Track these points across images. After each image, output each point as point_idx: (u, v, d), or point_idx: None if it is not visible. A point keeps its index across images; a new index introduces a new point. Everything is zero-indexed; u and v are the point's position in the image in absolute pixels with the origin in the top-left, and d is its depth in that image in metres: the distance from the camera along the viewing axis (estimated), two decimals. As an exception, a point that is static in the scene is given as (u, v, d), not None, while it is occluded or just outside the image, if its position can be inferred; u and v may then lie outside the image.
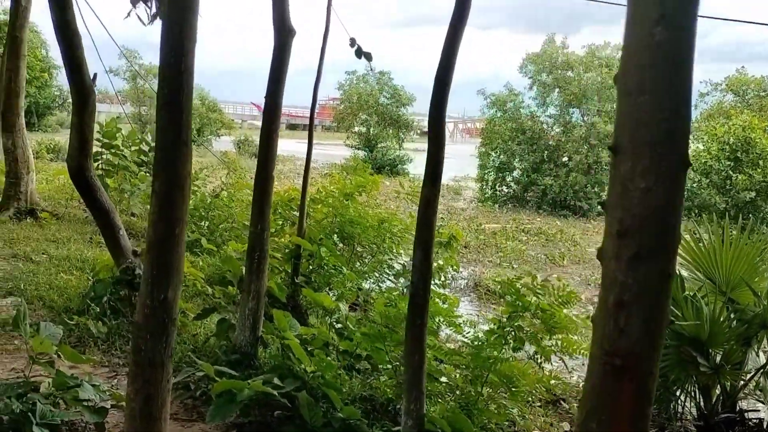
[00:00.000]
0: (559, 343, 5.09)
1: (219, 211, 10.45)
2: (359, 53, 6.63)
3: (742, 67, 31.47)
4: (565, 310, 5.10)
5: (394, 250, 9.90)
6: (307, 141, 7.50)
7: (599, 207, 24.42)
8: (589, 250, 17.68)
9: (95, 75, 5.91)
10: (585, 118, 25.09)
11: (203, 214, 10.32)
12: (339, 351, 5.47)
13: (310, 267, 7.59)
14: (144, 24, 6.02)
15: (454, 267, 9.63)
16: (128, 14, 6.74)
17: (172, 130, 2.65)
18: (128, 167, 11.65)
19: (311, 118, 7.66)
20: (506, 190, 26.55)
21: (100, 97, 5.36)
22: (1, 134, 10.98)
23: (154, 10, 7.19)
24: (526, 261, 16.07)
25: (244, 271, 5.61)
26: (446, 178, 30.79)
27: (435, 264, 8.28)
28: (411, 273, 3.73)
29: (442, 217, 19.17)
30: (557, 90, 25.43)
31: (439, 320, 5.65)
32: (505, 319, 5.04)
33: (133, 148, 12.16)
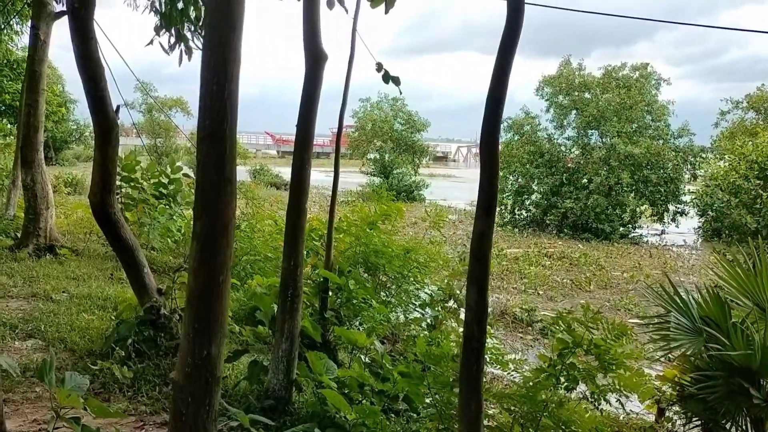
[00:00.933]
0: (616, 381, 4.72)
1: (240, 243, 10.19)
2: (387, 78, 6.40)
3: (762, 84, 31.10)
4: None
5: (419, 279, 9.60)
6: (333, 169, 7.22)
7: (621, 229, 23.95)
8: (614, 274, 17.21)
9: (118, 107, 5.71)
10: (604, 140, 24.76)
11: (224, 246, 10.05)
12: (374, 391, 5.14)
13: (339, 300, 7.28)
14: (167, 52, 5.87)
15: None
16: (150, 41, 6.61)
17: (213, 165, 2.35)
18: (147, 200, 11.46)
19: (337, 146, 7.40)
20: (525, 214, 26.24)
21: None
22: (20, 169, 10.89)
23: (173, 39, 7.07)
24: (551, 287, 15.65)
25: (275, 309, 5.32)
26: (463, 202, 30.59)
27: (461, 293, 8.00)
28: (465, 313, 3.41)
29: (463, 243, 18.81)
30: (575, 112, 25.20)
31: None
32: (555, 357, 4.70)
33: (152, 181, 11.98)
